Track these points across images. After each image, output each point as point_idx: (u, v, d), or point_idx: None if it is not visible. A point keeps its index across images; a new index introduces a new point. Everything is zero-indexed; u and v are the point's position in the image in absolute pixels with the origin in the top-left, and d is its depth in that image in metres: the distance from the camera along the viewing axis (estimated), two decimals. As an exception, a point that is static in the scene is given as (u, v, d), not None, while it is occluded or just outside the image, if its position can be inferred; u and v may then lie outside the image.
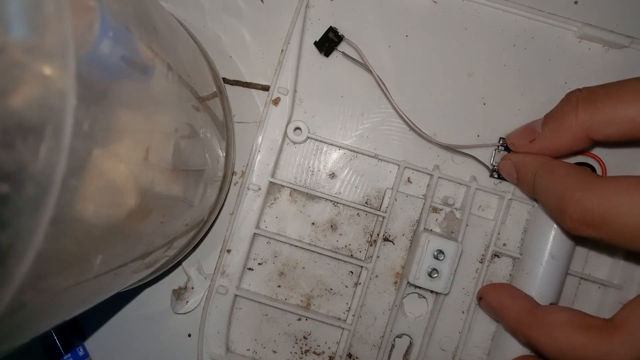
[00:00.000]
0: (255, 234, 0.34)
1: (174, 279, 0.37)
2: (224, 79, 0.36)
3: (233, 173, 0.36)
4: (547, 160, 0.30)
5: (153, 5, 0.26)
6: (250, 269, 0.35)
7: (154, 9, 0.26)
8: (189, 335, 0.37)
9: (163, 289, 0.37)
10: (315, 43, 0.34)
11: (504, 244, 0.34)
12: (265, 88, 0.36)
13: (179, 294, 0.36)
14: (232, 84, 0.36)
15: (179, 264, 0.36)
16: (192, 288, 0.36)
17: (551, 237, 0.32)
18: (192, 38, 0.33)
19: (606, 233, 0.26)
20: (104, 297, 0.26)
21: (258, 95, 0.37)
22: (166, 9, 0.35)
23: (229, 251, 0.34)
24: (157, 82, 0.23)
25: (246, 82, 0.36)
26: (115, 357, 0.37)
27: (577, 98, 0.29)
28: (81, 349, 0.36)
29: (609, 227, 0.26)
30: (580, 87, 0.30)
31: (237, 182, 0.36)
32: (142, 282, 0.32)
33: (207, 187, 0.30)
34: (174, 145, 0.24)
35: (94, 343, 0.37)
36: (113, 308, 0.37)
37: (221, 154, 0.31)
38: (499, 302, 0.32)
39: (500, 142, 0.34)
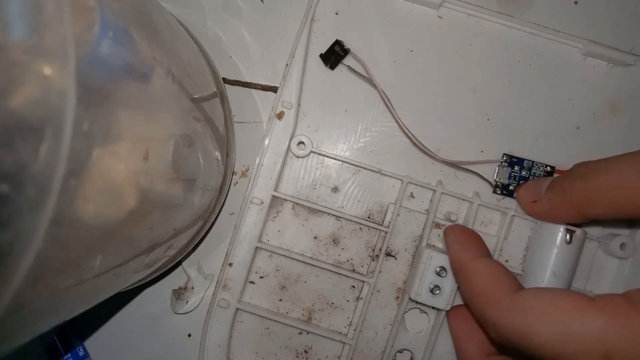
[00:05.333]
0: (257, 247, 0.34)
1: (174, 279, 0.37)
2: (224, 78, 0.36)
3: (233, 173, 0.36)
4: (464, 268, 0.30)
5: (153, 5, 0.26)
6: (251, 282, 0.35)
7: (154, 9, 0.26)
8: (189, 335, 0.36)
9: (163, 289, 0.37)
10: (321, 55, 0.34)
11: (506, 260, 0.34)
12: (265, 88, 0.36)
13: (179, 294, 0.36)
14: (232, 84, 0.36)
15: (179, 264, 0.36)
16: (192, 288, 0.36)
17: (553, 254, 0.32)
18: (192, 38, 0.32)
19: (528, 349, 0.25)
20: (104, 297, 0.26)
21: (258, 95, 0.37)
22: (166, 9, 0.35)
23: (230, 264, 0.34)
24: (157, 82, 0.23)
25: (246, 82, 0.36)
26: (115, 357, 0.37)
27: (575, 175, 0.29)
28: (81, 349, 0.36)
29: (528, 346, 0.25)
30: (584, 161, 0.30)
31: (237, 182, 0.36)
32: (142, 282, 0.32)
33: (207, 187, 0.30)
34: (174, 146, 0.24)
35: (94, 343, 0.36)
36: (113, 308, 0.37)
37: (221, 153, 0.31)
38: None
39: (504, 158, 0.34)
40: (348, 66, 0.34)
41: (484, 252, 0.31)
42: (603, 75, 0.35)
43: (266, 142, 0.34)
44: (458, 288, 0.33)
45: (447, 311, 0.33)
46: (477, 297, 0.28)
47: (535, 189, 0.32)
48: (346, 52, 0.34)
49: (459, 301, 0.34)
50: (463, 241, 0.31)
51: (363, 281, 0.34)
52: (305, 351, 0.35)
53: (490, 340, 0.32)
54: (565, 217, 0.31)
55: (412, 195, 0.35)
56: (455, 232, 0.32)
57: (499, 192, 0.34)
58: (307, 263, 0.34)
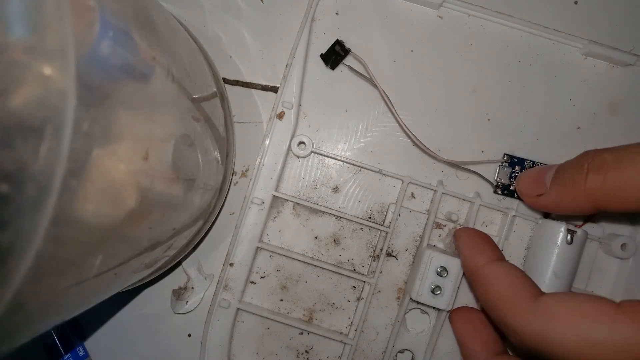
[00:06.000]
0: (258, 247, 0.34)
1: (174, 279, 0.37)
2: (224, 78, 0.36)
3: (233, 173, 0.36)
4: (479, 272, 0.29)
5: (153, 5, 0.26)
6: (252, 282, 0.35)
7: (154, 9, 0.26)
8: (189, 335, 0.36)
9: (163, 289, 0.37)
10: (322, 55, 0.34)
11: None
12: (266, 88, 0.36)
13: (179, 294, 0.36)
14: (232, 84, 0.36)
15: (179, 264, 0.36)
16: (192, 288, 0.36)
17: (554, 254, 0.32)
18: (192, 38, 0.32)
19: (551, 356, 0.25)
20: (104, 297, 0.26)
21: (258, 95, 0.37)
22: (166, 9, 0.35)
23: (231, 264, 0.34)
24: (157, 82, 0.23)
25: (246, 82, 0.36)
26: (115, 357, 0.37)
27: (587, 166, 0.28)
28: (81, 349, 0.36)
29: (552, 353, 0.24)
30: (592, 150, 0.28)
31: (237, 182, 0.36)
32: (142, 282, 0.32)
33: (207, 187, 0.30)
34: (174, 145, 0.24)
35: (94, 343, 0.37)
36: (113, 308, 0.37)
37: (221, 153, 0.31)
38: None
39: (505, 158, 0.34)
40: (349, 66, 0.34)
41: (498, 256, 0.30)
42: (603, 75, 0.35)
43: (267, 142, 0.34)
44: (472, 291, 0.32)
45: (450, 313, 0.33)
46: (495, 303, 0.27)
47: (538, 180, 0.31)
48: (347, 52, 0.34)
49: (460, 301, 0.34)
50: (476, 244, 0.30)
51: (364, 281, 0.34)
52: (306, 351, 0.35)
53: (495, 339, 0.32)
54: (576, 209, 0.29)
55: (412, 196, 0.35)
56: (466, 235, 0.32)
57: (499, 192, 0.34)
58: (308, 263, 0.34)
